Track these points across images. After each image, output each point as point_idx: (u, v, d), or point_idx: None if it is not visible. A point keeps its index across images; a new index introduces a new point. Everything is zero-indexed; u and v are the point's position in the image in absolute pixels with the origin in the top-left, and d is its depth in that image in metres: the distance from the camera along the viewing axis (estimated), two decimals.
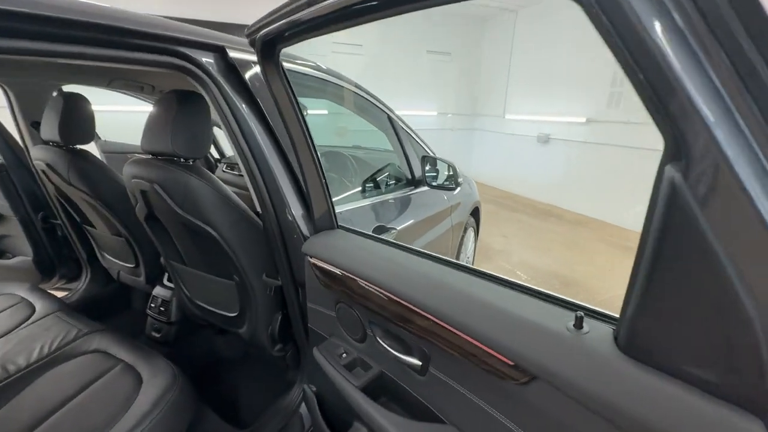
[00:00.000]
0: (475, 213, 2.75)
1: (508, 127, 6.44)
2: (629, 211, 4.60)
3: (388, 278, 0.68)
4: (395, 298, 0.65)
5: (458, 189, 1.62)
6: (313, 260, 0.87)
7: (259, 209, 1.05)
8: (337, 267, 0.80)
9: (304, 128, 0.86)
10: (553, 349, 0.43)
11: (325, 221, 0.93)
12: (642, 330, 0.37)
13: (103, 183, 1.41)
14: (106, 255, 1.76)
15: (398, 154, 1.80)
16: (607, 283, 3.15)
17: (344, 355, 0.85)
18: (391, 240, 0.86)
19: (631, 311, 0.37)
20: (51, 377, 1.06)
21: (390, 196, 1.67)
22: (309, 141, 0.87)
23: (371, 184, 1.71)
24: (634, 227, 4.53)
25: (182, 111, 1.01)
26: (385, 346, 0.73)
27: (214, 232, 1.08)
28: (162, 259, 1.64)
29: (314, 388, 1.08)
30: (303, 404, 1.23)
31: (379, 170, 1.75)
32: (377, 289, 0.69)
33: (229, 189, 1.14)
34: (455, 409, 0.62)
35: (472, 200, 2.57)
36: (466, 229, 2.49)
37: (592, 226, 4.77)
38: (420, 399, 0.69)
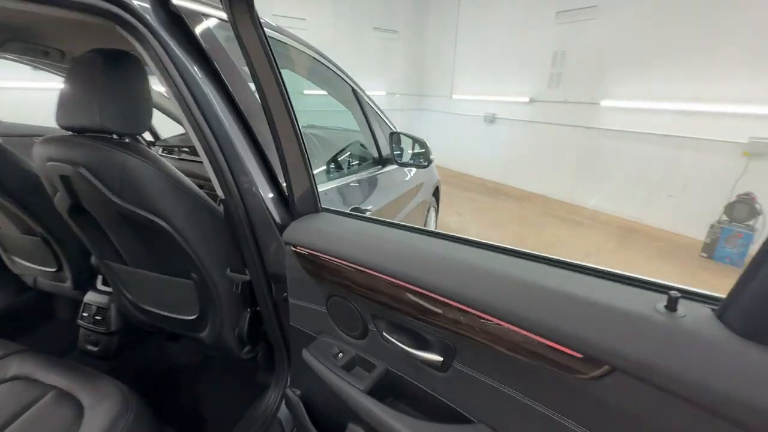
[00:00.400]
0: (436, 193, 2.73)
1: (455, 107, 6.52)
2: (569, 185, 4.93)
3: (399, 264, 0.59)
4: (411, 286, 0.56)
5: (431, 165, 1.55)
6: (297, 249, 0.74)
7: (220, 194, 0.89)
8: (330, 255, 0.68)
9: (284, 92, 0.72)
10: (642, 335, 0.37)
11: (307, 204, 0.80)
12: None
13: (3, 170, 1.13)
14: (17, 259, 1.45)
15: (364, 131, 1.68)
16: (556, 253, 3.34)
17: (340, 354, 0.74)
18: (391, 220, 0.75)
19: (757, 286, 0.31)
20: None
21: (358, 176, 1.56)
22: (289, 109, 0.73)
23: (335, 165, 1.58)
24: (574, 201, 4.87)
25: (112, 74, 0.80)
26: (394, 341, 0.64)
27: (164, 224, 0.90)
28: (93, 260, 1.38)
29: (298, 392, 0.97)
30: (282, 409, 1.11)
31: (344, 149, 1.62)
32: (386, 277, 0.59)
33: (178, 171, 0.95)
34: (489, 408, 0.55)
35: (434, 180, 2.53)
36: (428, 209, 2.46)
37: (537, 201, 5.04)
38: (438, 397, 0.62)
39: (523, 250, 0.56)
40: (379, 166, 1.69)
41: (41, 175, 0.94)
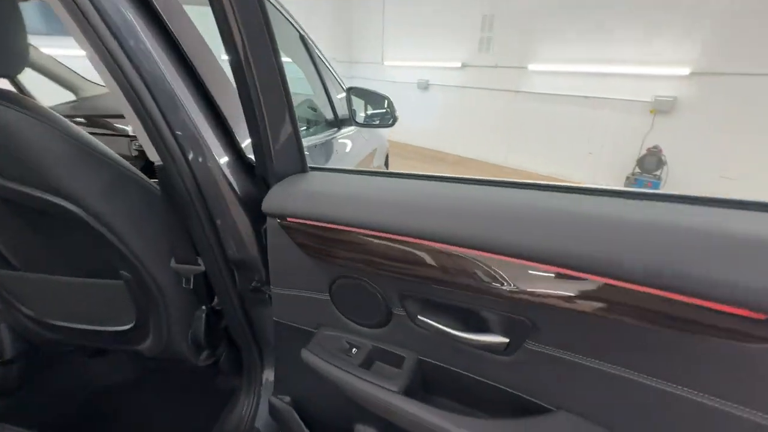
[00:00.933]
0: (387, 160, 2.60)
1: (388, 75, 6.33)
2: (503, 149, 5.13)
3: (448, 224, 0.44)
4: (470, 250, 0.42)
5: (394, 122, 1.39)
6: (289, 221, 0.55)
7: (155, 158, 0.65)
8: (340, 224, 0.50)
9: (268, 27, 0.51)
10: None
11: (290, 163, 0.61)
12: None
13: None
14: None
15: (315, 88, 1.45)
16: None
17: (354, 350, 0.59)
18: (403, 171, 0.59)
19: None
20: None
21: (310, 141, 1.34)
22: (273, 47, 0.53)
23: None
24: (508, 163, 5.10)
25: None
26: (436, 325, 0.50)
27: (72, 207, 0.64)
28: None
29: (288, 399, 0.80)
30: (260, 418, 0.93)
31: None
32: (430, 243, 0.44)
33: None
34: (572, 391, 0.45)
35: (385, 146, 2.40)
36: None
37: (471, 165, 5.20)
38: (500, 387, 0.50)
39: (578, 185, 0.45)
40: (335, 129, 1.49)
41: None
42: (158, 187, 0.80)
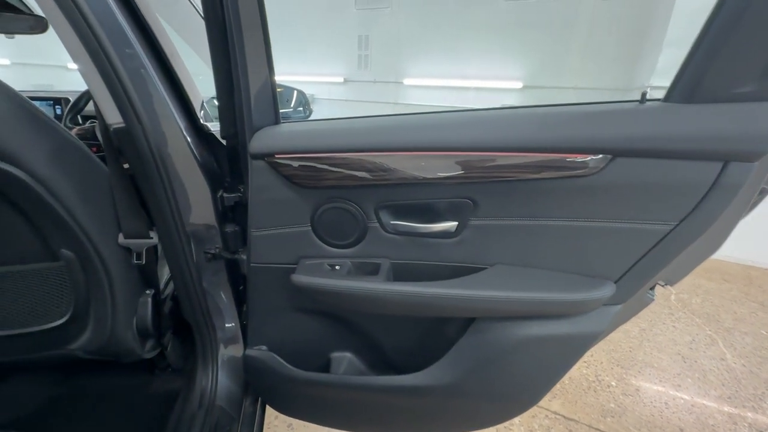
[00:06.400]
0: None
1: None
2: None
3: (411, 135, 0.61)
4: (428, 152, 0.60)
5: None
6: (277, 158, 0.64)
7: (113, 119, 0.66)
8: (324, 152, 0.63)
9: None
10: (630, 123, 0.53)
11: (265, 116, 0.69)
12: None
13: None
14: None
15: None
16: None
17: (337, 267, 0.70)
18: (362, 115, 0.73)
19: None
20: None
21: None
22: (262, 7, 0.62)
23: None
24: None
25: None
26: (405, 223, 0.66)
27: (18, 171, 0.61)
28: None
29: (265, 347, 0.85)
30: (220, 395, 0.93)
31: None
32: (398, 153, 0.61)
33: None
34: (505, 248, 0.66)
35: None
36: None
37: None
38: (449, 264, 0.68)
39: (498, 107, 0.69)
40: None
41: None
42: (100, 161, 0.78)
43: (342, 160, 0.63)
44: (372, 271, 0.70)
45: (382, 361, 0.86)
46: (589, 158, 0.55)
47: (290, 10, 5.68)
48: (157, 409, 1.02)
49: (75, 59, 0.61)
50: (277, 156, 0.64)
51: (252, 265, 0.76)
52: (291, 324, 0.82)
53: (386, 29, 5.02)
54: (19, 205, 0.65)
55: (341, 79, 5.54)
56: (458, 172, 0.61)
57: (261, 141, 0.66)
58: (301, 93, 1.50)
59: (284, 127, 0.70)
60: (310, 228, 0.71)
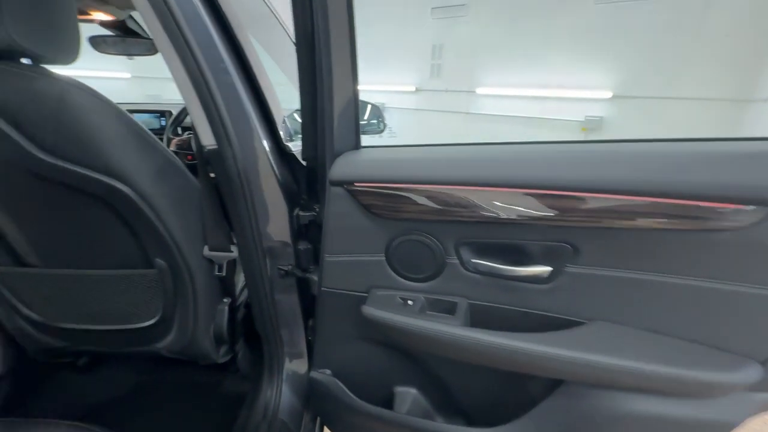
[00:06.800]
0: None
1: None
2: None
3: (501, 171, 0.55)
4: (521, 189, 0.53)
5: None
6: (357, 186, 0.62)
7: (208, 142, 0.69)
8: (405, 183, 0.59)
9: None
10: None
11: (346, 141, 0.68)
12: None
13: None
14: None
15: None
16: None
17: (409, 302, 0.66)
18: (447, 143, 0.69)
19: None
20: None
21: None
22: (350, 19, 0.61)
23: None
24: None
25: None
26: (487, 263, 0.59)
27: (124, 187, 0.66)
28: None
29: (329, 372, 0.83)
30: (283, 408, 0.94)
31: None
32: (486, 189, 0.55)
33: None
34: (607, 302, 0.56)
35: None
36: None
37: None
38: (539, 314, 0.60)
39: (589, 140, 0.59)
40: None
41: None
42: (194, 177, 0.83)
43: (424, 192, 0.58)
44: (447, 309, 0.64)
45: (449, 404, 0.79)
46: (739, 208, 0.44)
47: (366, 21, 5.86)
48: (224, 409, 1.08)
49: (179, 87, 0.65)
50: (356, 184, 0.62)
51: (323, 289, 0.74)
52: (357, 352, 0.80)
53: (461, 38, 4.93)
54: (124, 218, 0.71)
55: (413, 88, 5.56)
56: (557, 213, 0.53)
57: (341, 168, 0.64)
58: (375, 107, 1.49)
59: (365, 153, 0.67)
60: (384, 258, 0.67)
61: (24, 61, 0.60)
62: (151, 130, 1.70)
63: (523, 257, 0.59)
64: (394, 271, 0.68)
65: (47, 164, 0.60)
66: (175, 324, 0.88)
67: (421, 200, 0.59)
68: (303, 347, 0.94)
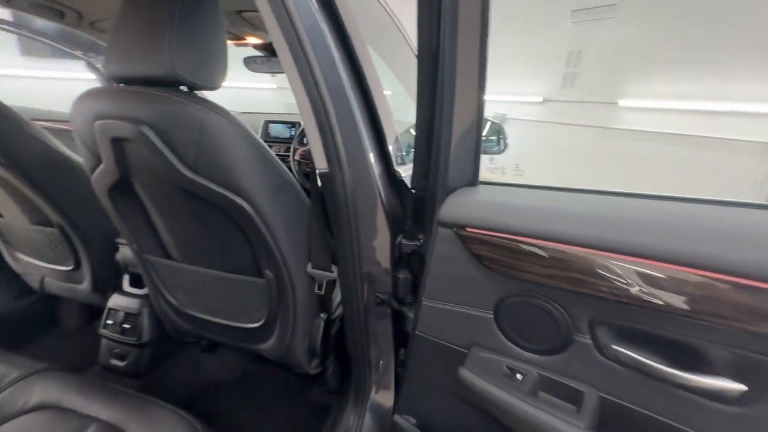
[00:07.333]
0: None
1: None
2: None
3: (678, 240, 0.40)
4: (713, 272, 0.37)
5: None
6: (468, 232, 0.54)
7: (321, 165, 0.69)
8: (530, 236, 0.48)
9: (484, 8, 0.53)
10: None
11: (462, 176, 0.61)
12: None
13: (18, 142, 0.90)
14: (21, 255, 1.20)
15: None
16: None
17: (519, 375, 0.55)
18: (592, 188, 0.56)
19: None
20: None
21: None
22: (483, 35, 0.55)
23: None
24: None
25: (188, 9, 0.60)
26: (640, 358, 0.45)
27: (246, 205, 0.70)
28: (118, 256, 1.16)
29: (414, 421, 0.77)
30: None
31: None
32: (650, 262, 0.40)
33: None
34: None
35: None
36: None
37: None
38: None
39: None
40: None
41: (82, 140, 0.72)
42: (306, 196, 0.85)
43: (553, 251, 0.47)
44: (567, 397, 0.51)
45: None
46: None
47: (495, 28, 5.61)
48: (307, 418, 1.13)
49: (300, 108, 0.67)
50: (468, 229, 0.53)
51: (417, 333, 0.68)
52: (448, 408, 0.71)
53: (605, 43, 4.32)
54: (244, 231, 0.77)
55: (540, 99, 5.10)
56: (761, 317, 0.36)
57: (453, 208, 0.57)
58: (495, 123, 1.36)
59: (482, 192, 0.58)
60: (492, 316, 0.57)
61: (182, 88, 0.68)
62: (281, 138, 1.89)
63: (696, 361, 0.42)
64: (503, 333, 0.58)
65: (189, 179, 0.66)
66: (276, 331, 0.92)
67: (547, 260, 0.47)
68: (391, 378, 0.91)
